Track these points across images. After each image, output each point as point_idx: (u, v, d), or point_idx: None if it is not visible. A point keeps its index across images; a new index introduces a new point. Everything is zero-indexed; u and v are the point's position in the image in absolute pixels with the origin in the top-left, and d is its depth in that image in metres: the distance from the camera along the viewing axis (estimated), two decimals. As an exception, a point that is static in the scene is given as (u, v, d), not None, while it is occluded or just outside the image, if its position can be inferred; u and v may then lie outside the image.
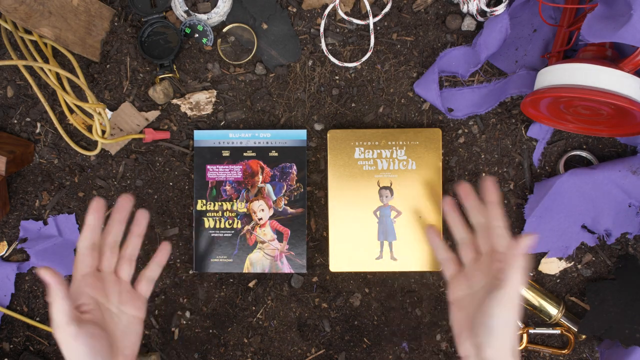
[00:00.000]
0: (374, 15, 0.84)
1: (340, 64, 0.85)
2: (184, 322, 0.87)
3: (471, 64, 0.81)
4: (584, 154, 0.83)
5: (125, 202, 0.67)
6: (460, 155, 0.85)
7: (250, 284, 0.87)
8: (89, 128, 0.86)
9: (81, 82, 0.80)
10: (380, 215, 0.83)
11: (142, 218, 0.69)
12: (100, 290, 0.64)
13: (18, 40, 0.81)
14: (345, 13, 0.85)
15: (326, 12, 0.84)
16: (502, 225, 0.65)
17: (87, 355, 0.59)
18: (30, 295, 0.88)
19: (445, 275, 0.70)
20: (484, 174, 0.85)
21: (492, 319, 0.60)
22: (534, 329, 0.84)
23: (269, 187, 0.84)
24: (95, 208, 0.64)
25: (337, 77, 0.85)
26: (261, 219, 0.84)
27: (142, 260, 0.87)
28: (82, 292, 0.63)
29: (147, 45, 0.84)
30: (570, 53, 0.81)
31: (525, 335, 0.84)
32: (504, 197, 0.85)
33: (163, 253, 0.70)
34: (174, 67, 0.85)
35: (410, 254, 0.83)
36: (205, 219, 0.85)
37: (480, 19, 0.82)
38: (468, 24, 0.83)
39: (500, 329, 0.60)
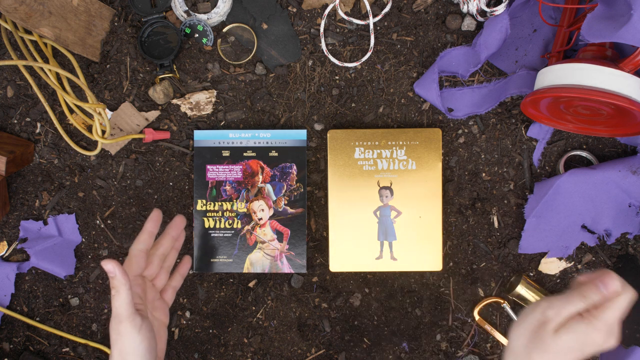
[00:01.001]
0: (374, 15, 0.84)
1: (340, 64, 0.85)
2: (184, 322, 0.87)
3: (471, 64, 0.81)
4: (584, 154, 0.83)
5: (180, 222, 0.72)
6: (460, 155, 0.85)
7: (250, 284, 0.87)
8: (89, 128, 0.86)
9: (81, 82, 0.80)
10: (380, 215, 0.83)
11: (182, 235, 0.74)
12: (143, 294, 0.66)
13: (18, 40, 0.81)
14: (345, 13, 0.85)
15: (326, 12, 0.84)
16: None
17: (146, 350, 0.60)
18: (30, 295, 0.88)
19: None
20: (483, 174, 0.85)
21: None
22: (534, 329, 0.84)
23: (269, 187, 0.84)
24: (155, 219, 0.68)
25: (337, 77, 0.85)
26: (261, 219, 0.84)
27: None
28: (134, 291, 0.64)
29: (147, 45, 0.84)
30: (570, 53, 0.81)
31: (525, 335, 0.84)
32: (503, 198, 0.85)
33: (186, 265, 0.75)
34: (174, 67, 0.85)
35: (410, 254, 0.83)
36: (205, 219, 0.85)
37: (480, 19, 0.82)
38: (468, 24, 0.83)
39: None
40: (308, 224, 0.86)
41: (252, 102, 0.86)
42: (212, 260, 0.84)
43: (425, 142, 0.83)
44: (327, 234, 0.85)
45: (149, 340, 0.61)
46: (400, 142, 0.83)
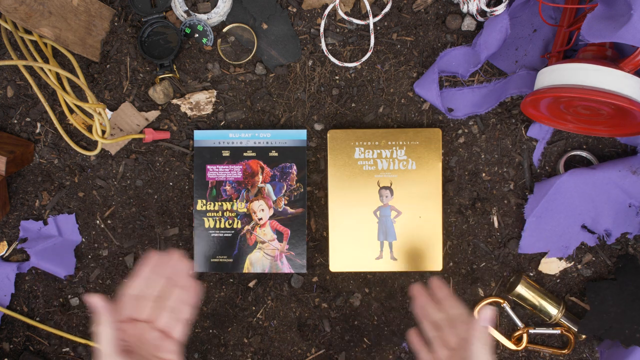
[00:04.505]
0: (374, 15, 0.84)
1: (340, 64, 0.85)
2: (184, 322, 0.87)
3: (471, 64, 0.81)
4: (584, 154, 0.83)
5: (176, 260, 0.67)
6: (460, 155, 0.85)
7: (250, 284, 0.87)
8: (89, 128, 0.86)
9: (81, 82, 0.80)
10: (380, 215, 0.83)
11: (186, 272, 0.68)
12: (136, 335, 0.63)
13: (18, 40, 0.81)
14: (345, 13, 0.85)
15: (326, 12, 0.84)
16: (460, 312, 0.65)
17: None
18: (30, 295, 0.88)
19: None
20: (483, 174, 0.85)
21: None
22: (534, 329, 0.84)
23: (269, 187, 0.84)
24: (153, 264, 0.64)
25: (337, 77, 0.85)
26: (261, 219, 0.84)
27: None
28: (123, 331, 0.62)
29: (147, 45, 0.84)
30: (570, 53, 0.81)
31: (525, 335, 0.84)
32: (503, 198, 0.85)
33: (193, 294, 0.68)
34: (174, 67, 0.85)
35: (410, 254, 0.83)
36: (205, 219, 0.85)
37: (480, 19, 0.82)
38: (468, 24, 0.83)
39: None
40: (308, 224, 0.86)
41: (252, 102, 0.86)
42: (212, 260, 0.85)
43: (425, 142, 0.83)
44: (327, 234, 0.85)
45: None
46: (400, 142, 0.83)
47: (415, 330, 0.72)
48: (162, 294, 0.65)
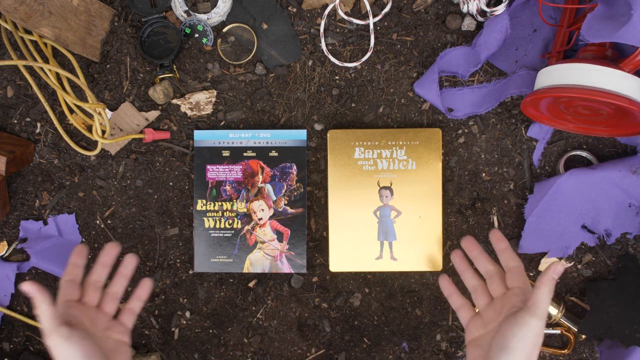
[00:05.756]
0: (374, 15, 0.84)
1: (340, 64, 0.85)
2: (184, 322, 0.87)
3: (471, 64, 0.81)
4: (584, 154, 0.83)
5: (111, 249, 0.71)
6: (460, 155, 0.85)
7: (250, 284, 0.87)
8: (89, 128, 0.86)
9: (81, 82, 0.80)
10: (380, 215, 0.83)
11: (130, 262, 0.72)
12: (84, 316, 0.67)
13: (18, 40, 0.81)
14: (345, 13, 0.85)
15: (326, 12, 0.84)
16: (519, 265, 0.66)
17: (84, 358, 0.60)
18: (30, 295, 0.88)
19: (461, 321, 0.70)
20: (483, 174, 0.85)
21: (509, 340, 0.60)
22: (534, 329, 0.84)
23: (269, 187, 0.84)
24: (78, 252, 0.69)
25: (337, 77, 0.85)
26: (261, 219, 0.84)
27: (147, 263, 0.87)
28: (67, 312, 0.65)
29: (147, 45, 0.84)
30: (570, 53, 0.81)
31: (525, 335, 0.84)
32: (503, 198, 0.85)
33: (143, 289, 0.73)
34: (174, 67, 0.85)
35: (410, 254, 0.83)
36: (205, 219, 0.85)
37: (480, 19, 0.82)
38: (468, 24, 0.83)
39: (518, 349, 0.59)
40: (308, 224, 0.86)
41: (252, 102, 0.86)
42: (212, 260, 0.85)
43: (425, 142, 0.83)
44: (327, 234, 0.85)
45: (85, 348, 0.61)
46: (400, 142, 0.83)
47: (446, 276, 0.73)
48: (99, 279, 0.70)
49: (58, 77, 0.84)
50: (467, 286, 0.71)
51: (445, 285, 0.73)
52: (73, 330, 0.61)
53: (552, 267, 0.63)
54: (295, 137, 0.84)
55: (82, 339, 0.61)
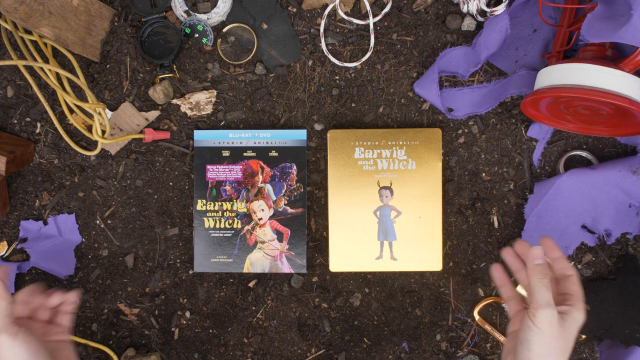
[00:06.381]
0: (374, 15, 0.84)
1: (340, 64, 0.85)
2: (184, 322, 0.87)
3: (471, 64, 0.81)
4: (584, 154, 0.83)
5: (67, 296, 0.72)
6: (460, 155, 0.85)
7: (250, 284, 0.87)
8: (89, 128, 0.86)
9: (81, 82, 0.80)
10: (380, 215, 0.83)
11: (71, 303, 0.73)
12: (21, 324, 0.67)
13: (18, 40, 0.81)
14: (345, 13, 0.85)
15: (326, 12, 0.84)
16: (574, 274, 0.67)
17: (30, 357, 0.62)
18: (30, 295, 0.88)
19: (509, 311, 0.71)
20: (483, 174, 0.85)
21: (525, 332, 0.63)
22: (534, 329, 0.84)
23: (269, 187, 0.84)
24: (29, 291, 0.69)
25: (337, 77, 0.85)
26: (261, 219, 0.84)
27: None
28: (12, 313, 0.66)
29: (147, 45, 0.84)
30: (570, 53, 0.81)
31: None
32: (503, 198, 0.85)
33: (72, 296, 0.72)
34: (174, 67, 0.85)
35: (410, 254, 0.83)
36: (205, 219, 0.85)
37: (480, 19, 0.82)
38: (468, 24, 0.83)
39: (532, 341, 0.62)
40: (308, 224, 0.86)
41: (252, 102, 0.86)
42: (212, 260, 0.85)
43: (425, 142, 0.83)
44: (327, 234, 0.85)
45: (30, 347, 0.62)
46: (400, 142, 0.83)
47: (500, 266, 0.72)
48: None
49: (58, 77, 0.84)
50: (503, 297, 0.72)
51: (498, 275, 0.73)
52: (21, 329, 0.62)
53: (530, 255, 0.65)
54: (295, 137, 0.84)
55: (29, 339, 0.62)
